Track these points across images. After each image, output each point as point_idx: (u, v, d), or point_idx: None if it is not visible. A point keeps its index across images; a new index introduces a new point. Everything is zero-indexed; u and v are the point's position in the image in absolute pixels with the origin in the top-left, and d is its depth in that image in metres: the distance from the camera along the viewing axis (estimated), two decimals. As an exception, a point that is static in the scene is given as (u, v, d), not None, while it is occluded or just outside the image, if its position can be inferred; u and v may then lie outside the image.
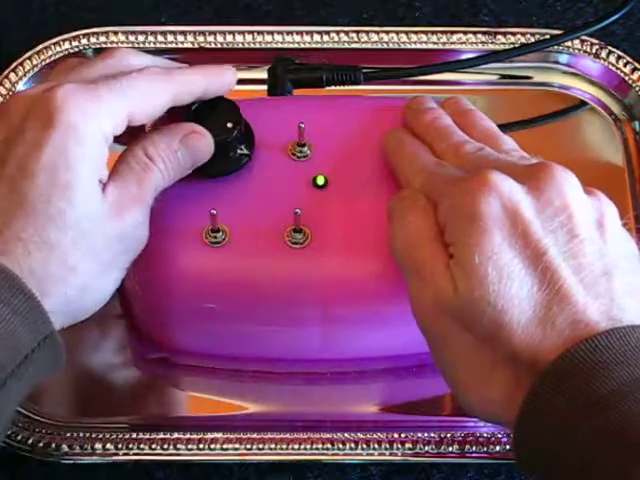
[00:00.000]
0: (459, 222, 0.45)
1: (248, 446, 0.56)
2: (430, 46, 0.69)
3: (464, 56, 0.68)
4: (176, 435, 0.56)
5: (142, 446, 0.56)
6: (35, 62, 0.68)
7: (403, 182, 0.52)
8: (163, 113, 0.50)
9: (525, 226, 0.44)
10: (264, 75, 0.62)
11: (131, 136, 0.50)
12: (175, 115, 0.52)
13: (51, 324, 0.45)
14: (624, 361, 0.41)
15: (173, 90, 0.50)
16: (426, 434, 0.56)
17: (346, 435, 0.56)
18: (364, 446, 0.56)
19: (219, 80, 0.52)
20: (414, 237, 0.47)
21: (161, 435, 0.56)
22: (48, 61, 0.68)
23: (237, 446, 0.56)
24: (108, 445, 0.56)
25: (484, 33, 0.69)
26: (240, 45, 0.69)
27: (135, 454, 0.56)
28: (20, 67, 0.68)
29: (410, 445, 0.56)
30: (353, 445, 0.56)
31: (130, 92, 0.48)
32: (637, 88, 0.68)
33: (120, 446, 0.56)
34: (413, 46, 0.69)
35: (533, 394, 0.42)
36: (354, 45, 0.69)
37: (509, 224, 0.44)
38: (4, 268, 0.44)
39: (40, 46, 0.68)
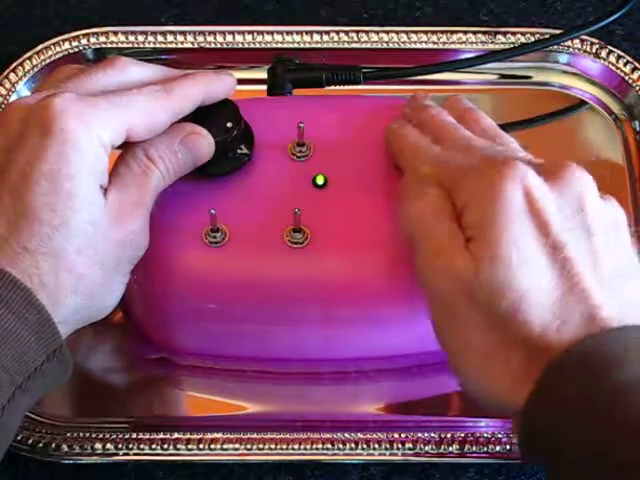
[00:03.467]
0: (483, 206, 0.45)
1: (248, 446, 0.56)
2: (430, 46, 0.69)
3: (464, 56, 0.68)
4: (176, 435, 0.56)
5: (142, 446, 0.56)
6: (35, 62, 0.68)
7: (409, 171, 0.52)
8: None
9: (547, 218, 0.45)
10: (264, 75, 0.62)
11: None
12: None
13: (60, 338, 0.45)
14: (636, 357, 0.41)
15: (173, 108, 0.50)
16: (426, 434, 0.56)
17: (346, 435, 0.56)
18: (364, 446, 0.56)
19: (218, 88, 0.52)
20: (431, 213, 0.47)
21: (161, 435, 0.56)
22: (48, 61, 0.68)
23: (237, 446, 0.56)
24: (108, 445, 0.56)
25: (484, 33, 0.69)
26: (240, 45, 0.69)
27: (135, 454, 0.56)
28: (20, 67, 0.68)
29: (410, 445, 0.56)
30: (353, 445, 0.56)
31: (130, 108, 0.48)
32: (637, 88, 0.68)
33: (120, 446, 0.56)
34: (413, 46, 0.69)
35: (543, 380, 0.42)
36: (354, 45, 0.69)
37: (532, 214, 0.45)
38: (16, 281, 0.44)
39: (40, 46, 0.68)
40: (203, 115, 0.52)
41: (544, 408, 0.42)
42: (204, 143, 0.52)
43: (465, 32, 0.69)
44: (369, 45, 0.69)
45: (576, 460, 0.42)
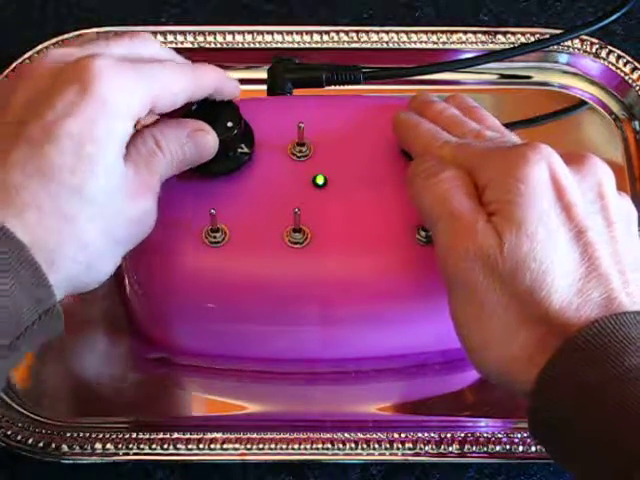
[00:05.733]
0: (507, 182, 0.46)
1: (248, 446, 0.56)
2: (430, 46, 0.69)
3: (464, 56, 0.68)
4: (176, 435, 0.56)
5: (142, 446, 0.56)
6: (35, 62, 0.68)
7: (424, 155, 0.51)
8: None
9: (570, 200, 0.45)
10: (264, 75, 0.62)
11: None
12: (175, 114, 0.52)
13: (54, 297, 0.44)
14: None
15: (193, 88, 0.50)
16: (426, 434, 0.56)
17: (346, 435, 0.56)
18: (364, 446, 0.56)
19: (228, 86, 0.53)
20: (451, 191, 0.47)
21: (161, 435, 0.56)
22: (48, 61, 0.68)
23: (237, 446, 0.56)
24: (108, 445, 0.56)
25: (484, 33, 0.69)
26: (240, 45, 0.69)
27: (135, 454, 0.56)
28: (20, 67, 0.68)
29: (410, 445, 0.56)
30: (353, 445, 0.56)
31: (158, 78, 0.48)
32: (637, 88, 0.68)
33: (120, 446, 0.56)
34: (413, 46, 0.69)
35: (559, 356, 0.43)
36: (354, 45, 0.69)
37: (556, 195, 0.45)
38: (14, 237, 0.43)
39: (40, 46, 0.68)
40: (203, 114, 0.52)
41: (555, 385, 0.43)
42: (210, 140, 0.52)
43: (465, 32, 0.69)
44: (369, 45, 0.69)
45: (584, 443, 0.42)
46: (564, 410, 0.43)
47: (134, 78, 0.47)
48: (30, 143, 0.44)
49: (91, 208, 0.45)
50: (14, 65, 0.68)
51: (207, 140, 0.52)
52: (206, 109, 0.52)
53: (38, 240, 0.44)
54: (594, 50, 0.69)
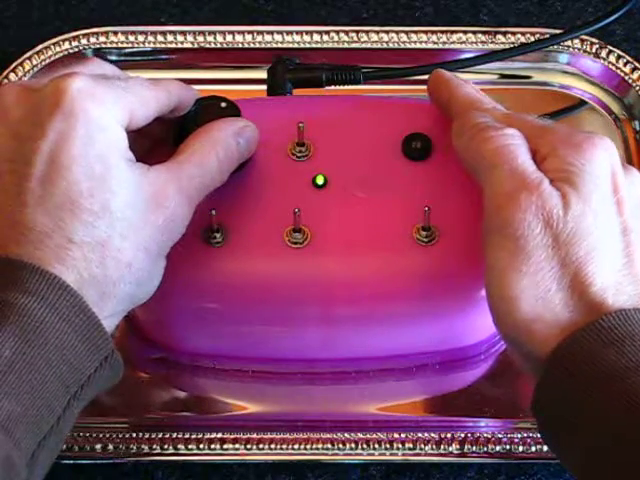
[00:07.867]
0: (573, 157, 0.47)
1: (248, 446, 0.56)
2: (430, 46, 0.69)
3: (464, 56, 0.68)
4: (176, 435, 0.56)
5: (142, 446, 0.56)
6: (35, 62, 0.68)
7: (467, 111, 0.51)
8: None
9: (623, 197, 0.47)
10: (264, 75, 0.62)
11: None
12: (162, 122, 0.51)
13: (111, 343, 0.44)
14: None
15: (162, 100, 0.49)
16: (426, 434, 0.56)
17: (346, 435, 0.56)
18: (364, 446, 0.56)
19: (188, 94, 0.52)
20: (516, 146, 0.48)
21: (161, 435, 0.56)
22: (48, 61, 0.68)
23: (237, 446, 0.56)
24: (108, 445, 0.56)
25: (484, 33, 0.69)
26: (240, 45, 0.69)
27: (135, 454, 0.56)
28: (20, 67, 0.68)
29: (410, 445, 0.56)
30: (353, 445, 0.56)
31: (129, 93, 0.47)
32: (637, 88, 0.68)
33: (120, 446, 0.56)
34: (413, 46, 0.69)
35: (584, 332, 0.44)
36: (354, 45, 0.69)
37: (613, 187, 0.47)
38: (66, 286, 0.42)
39: (40, 46, 0.68)
40: (203, 115, 0.52)
41: (573, 358, 0.44)
42: (257, 133, 0.52)
43: (465, 32, 0.69)
44: (369, 45, 0.69)
45: (586, 420, 0.43)
46: (573, 384, 0.43)
47: (110, 91, 0.46)
48: (41, 181, 0.44)
49: (121, 224, 0.45)
50: (14, 65, 0.68)
51: (255, 133, 0.52)
52: (206, 110, 0.52)
53: (88, 276, 0.44)
54: (594, 50, 0.69)
